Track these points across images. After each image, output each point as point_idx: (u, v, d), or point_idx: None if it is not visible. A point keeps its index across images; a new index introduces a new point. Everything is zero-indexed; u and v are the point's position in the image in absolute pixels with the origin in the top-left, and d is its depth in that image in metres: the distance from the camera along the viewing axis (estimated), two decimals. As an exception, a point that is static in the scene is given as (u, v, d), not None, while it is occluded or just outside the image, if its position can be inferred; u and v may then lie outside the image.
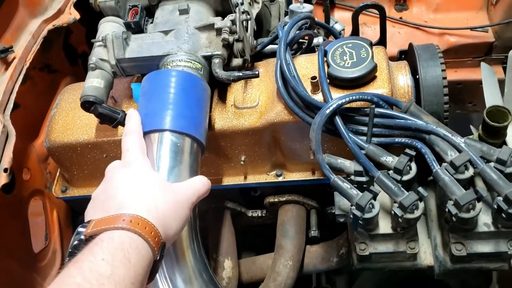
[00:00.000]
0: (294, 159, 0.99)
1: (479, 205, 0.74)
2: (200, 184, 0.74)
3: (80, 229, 0.64)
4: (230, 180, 1.03)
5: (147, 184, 0.70)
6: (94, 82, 0.89)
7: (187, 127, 0.80)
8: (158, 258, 0.63)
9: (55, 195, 1.09)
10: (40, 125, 1.11)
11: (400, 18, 1.66)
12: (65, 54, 1.22)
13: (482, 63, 1.30)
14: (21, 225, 1.04)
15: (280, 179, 1.02)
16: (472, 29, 1.57)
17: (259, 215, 1.12)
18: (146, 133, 0.79)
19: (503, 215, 0.74)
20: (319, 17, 1.33)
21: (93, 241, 0.60)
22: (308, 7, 1.13)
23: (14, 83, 1.00)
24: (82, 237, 0.62)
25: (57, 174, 1.11)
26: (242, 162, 0.99)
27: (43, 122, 1.11)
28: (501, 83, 1.54)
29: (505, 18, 1.54)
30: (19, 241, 1.03)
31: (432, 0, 1.65)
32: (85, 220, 0.67)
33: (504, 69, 1.64)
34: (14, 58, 1.02)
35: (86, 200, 1.07)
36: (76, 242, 0.63)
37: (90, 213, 0.69)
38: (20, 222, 1.03)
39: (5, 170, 0.90)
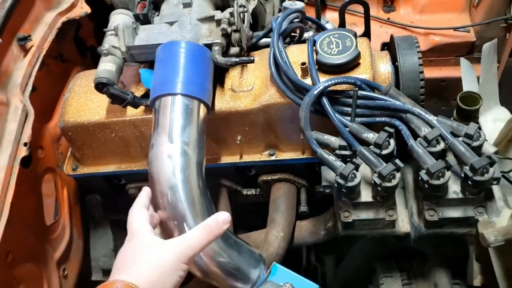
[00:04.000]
0: (285, 139, 1.09)
1: (448, 174, 0.84)
2: (198, 238, 0.78)
3: None
4: (227, 159, 1.13)
5: (142, 253, 0.76)
6: (107, 66, 0.99)
7: (197, 92, 0.93)
8: None
9: (66, 172, 1.18)
10: (53, 108, 1.20)
11: (388, 19, 1.77)
12: (76, 45, 1.32)
13: (462, 59, 1.41)
14: (36, 200, 1.13)
15: (273, 158, 1.12)
16: (455, 29, 1.68)
17: (254, 193, 1.22)
18: (161, 96, 0.90)
19: (469, 182, 0.84)
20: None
21: None
22: (299, 4, 1.24)
23: (32, 68, 1.10)
24: None
25: (68, 154, 1.21)
26: (238, 142, 1.09)
27: (56, 106, 1.21)
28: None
29: (485, 19, 1.64)
30: (34, 214, 1.12)
31: (418, 2, 1.76)
32: None
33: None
34: (31, 46, 1.12)
35: (94, 178, 1.19)
36: None
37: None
38: (35, 197, 1.12)
39: (25, 144, 1.00)
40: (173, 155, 0.89)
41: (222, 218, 0.79)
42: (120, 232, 1.38)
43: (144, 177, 0.93)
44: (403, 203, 0.97)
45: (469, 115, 1.00)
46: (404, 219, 0.95)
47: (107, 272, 1.39)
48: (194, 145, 0.91)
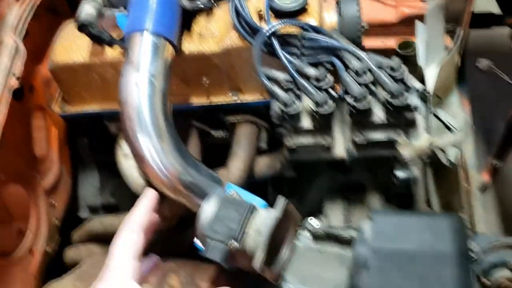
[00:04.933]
0: (247, 82, 1.23)
1: (371, 99, 0.98)
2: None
3: None
4: (196, 100, 1.28)
5: None
6: (88, 10, 1.14)
7: (164, 31, 1.07)
8: None
9: (54, 110, 1.33)
10: (44, 53, 1.35)
11: (361, -9, 1.90)
12: (67, 1, 1.47)
13: (416, 21, 1.53)
14: (26, 132, 1.28)
15: (236, 99, 1.26)
16: (423, 1, 1.80)
17: (222, 135, 1.36)
18: (131, 33, 1.05)
19: (390, 107, 0.97)
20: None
21: None
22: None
23: (27, 15, 1.24)
24: None
25: (57, 95, 1.36)
26: (204, 83, 1.23)
27: (46, 52, 1.35)
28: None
29: (450, -10, 1.77)
30: (24, 144, 1.27)
31: (389, -24, 1.89)
32: None
33: (452, 37, 1.88)
34: (26, -3, 1.27)
35: (80, 117, 1.34)
36: None
37: None
38: (26, 129, 1.27)
39: (17, 78, 1.15)
40: (139, 83, 1.03)
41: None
42: (105, 172, 1.53)
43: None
44: (340, 132, 1.10)
45: (407, 60, 1.14)
46: (340, 145, 1.09)
47: (93, 209, 1.55)
48: (159, 77, 1.06)
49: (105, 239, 1.34)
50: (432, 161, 1.23)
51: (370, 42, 1.74)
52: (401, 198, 1.24)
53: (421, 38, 1.49)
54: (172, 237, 1.36)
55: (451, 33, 1.89)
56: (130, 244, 0.73)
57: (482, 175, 1.79)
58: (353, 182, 1.25)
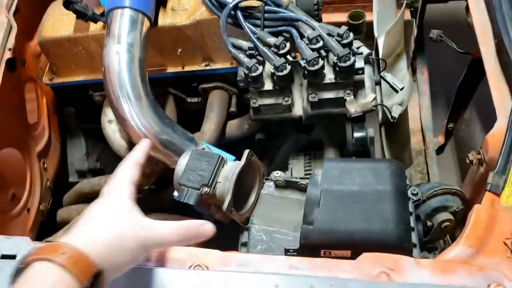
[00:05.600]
0: (217, 52, 1.38)
1: (321, 62, 1.12)
2: (172, 238, 0.73)
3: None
4: (171, 69, 1.42)
5: (109, 218, 0.70)
6: (72, -12, 1.28)
7: (141, 6, 1.21)
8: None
9: (44, 81, 1.47)
10: (34, 30, 1.47)
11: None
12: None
13: None
14: (19, 100, 1.41)
15: (207, 67, 1.41)
16: (383, -22, 1.95)
17: (196, 101, 1.51)
18: (112, 9, 1.18)
19: (337, 68, 1.13)
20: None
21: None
22: None
23: (17, -7, 1.37)
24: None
25: (47, 68, 1.49)
26: (179, 54, 1.38)
27: (35, 29, 1.48)
28: (406, 24, 1.93)
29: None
30: (18, 110, 1.40)
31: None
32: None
33: (411, 12, 2.03)
34: (16, -23, 1.39)
35: (67, 87, 1.48)
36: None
37: None
38: (19, 97, 1.40)
39: (10, 50, 1.28)
40: (119, 52, 1.18)
41: (205, 228, 0.77)
42: (92, 139, 1.67)
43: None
44: (299, 93, 1.25)
45: (356, 28, 1.29)
46: (298, 105, 1.24)
47: (81, 174, 1.69)
48: (137, 46, 1.20)
49: (94, 199, 1.49)
50: (384, 120, 1.39)
51: (334, 17, 1.90)
52: (359, 156, 1.39)
53: (375, 10, 1.64)
54: (154, 196, 1.51)
55: (410, 7, 2.05)
56: (128, 174, 0.78)
57: (438, 137, 1.97)
58: (315, 140, 1.40)
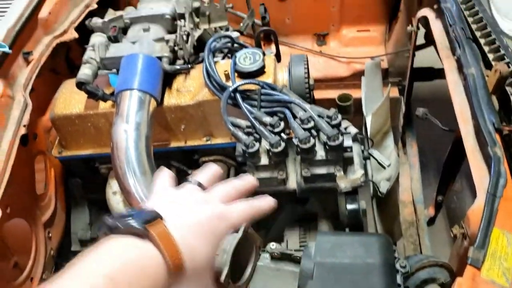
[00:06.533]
0: (217, 128, 1.48)
1: (313, 141, 1.22)
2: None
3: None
4: (175, 144, 1.52)
5: (187, 199, 0.69)
6: (85, 71, 1.39)
7: (148, 88, 1.32)
8: None
9: (53, 154, 1.56)
10: (46, 107, 1.59)
11: (320, 51, 2.20)
12: (66, 63, 1.73)
13: (366, 62, 1.81)
14: (30, 173, 1.50)
15: (208, 142, 1.50)
16: (372, 58, 2.10)
17: (196, 173, 1.59)
18: (122, 91, 1.29)
19: (327, 147, 1.22)
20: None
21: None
22: (235, 33, 1.65)
23: (32, 75, 1.49)
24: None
25: (56, 141, 1.59)
26: (182, 130, 1.48)
27: (48, 105, 1.59)
28: (395, 100, 2.07)
29: (394, 50, 2.08)
30: (28, 182, 1.48)
31: (344, 38, 2.20)
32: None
33: (399, 90, 2.17)
34: (32, 59, 1.52)
35: (75, 160, 1.57)
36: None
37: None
38: (29, 170, 1.49)
39: (24, 126, 1.38)
40: (127, 130, 1.27)
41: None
42: (95, 209, 1.74)
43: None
44: (293, 168, 1.34)
45: (344, 109, 1.40)
46: (292, 180, 1.33)
47: (84, 243, 1.74)
48: (143, 124, 1.30)
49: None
50: (375, 193, 1.47)
51: (327, 94, 2.03)
52: (352, 227, 1.45)
53: (363, 91, 1.77)
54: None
55: (398, 85, 2.19)
56: (166, 175, 0.79)
57: (429, 209, 2.05)
58: (309, 212, 1.48)
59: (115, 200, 1.50)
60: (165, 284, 0.59)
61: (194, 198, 0.70)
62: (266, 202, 0.79)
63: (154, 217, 0.60)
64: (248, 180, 0.82)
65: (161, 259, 0.59)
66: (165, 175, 0.78)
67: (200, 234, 0.66)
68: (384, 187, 1.31)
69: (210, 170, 0.83)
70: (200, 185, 0.75)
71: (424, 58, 2.09)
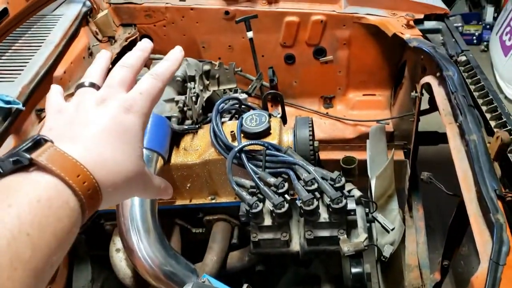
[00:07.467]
0: (222, 187, 1.50)
1: (316, 203, 1.23)
2: (157, 181, 0.68)
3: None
4: (180, 202, 1.53)
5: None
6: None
7: (156, 147, 1.35)
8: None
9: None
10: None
11: (327, 113, 2.25)
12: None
13: (372, 127, 1.84)
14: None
15: (213, 201, 1.52)
16: (377, 121, 2.14)
17: (200, 231, 1.60)
18: None
19: (330, 209, 1.23)
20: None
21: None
22: (243, 95, 1.70)
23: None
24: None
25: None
26: (188, 188, 1.50)
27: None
28: (400, 163, 2.09)
29: (399, 114, 2.12)
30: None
31: (350, 101, 2.25)
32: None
33: (405, 153, 2.20)
34: (44, 116, 1.57)
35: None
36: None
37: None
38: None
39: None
40: (134, 187, 1.29)
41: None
42: (97, 265, 1.73)
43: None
44: (296, 230, 1.34)
45: (349, 172, 1.41)
46: (296, 241, 1.32)
47: (84, 299, 1.73)
48: (150, 182, 1.32)
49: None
50: (379, 256, 1.46)
51: (332, 155, 2.05)
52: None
53: (368, 155, 1.80)
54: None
55: (403, 148, 2.21)
56: (54, 94, 0.68)
57: (434, 274, 2.01)
58: (313, 275, 1.46)
59: (118, 258, 1.50)
60: (85, 208, 0.53)
61: (89, 103, 0.60)
62: (171, 61, 0.68)
63: (37, 142, 0.51)
64: (141, 47, 0.70)
65: (62, 185, 0.50)
66: (52, 95, 0.66)
67: (108, 138, 0.57)
68: (387, 251, 1.31)
69: (99, 64, 0.71)
70: (93, 85, 0.65)
71: (431, 119, 2.12)
